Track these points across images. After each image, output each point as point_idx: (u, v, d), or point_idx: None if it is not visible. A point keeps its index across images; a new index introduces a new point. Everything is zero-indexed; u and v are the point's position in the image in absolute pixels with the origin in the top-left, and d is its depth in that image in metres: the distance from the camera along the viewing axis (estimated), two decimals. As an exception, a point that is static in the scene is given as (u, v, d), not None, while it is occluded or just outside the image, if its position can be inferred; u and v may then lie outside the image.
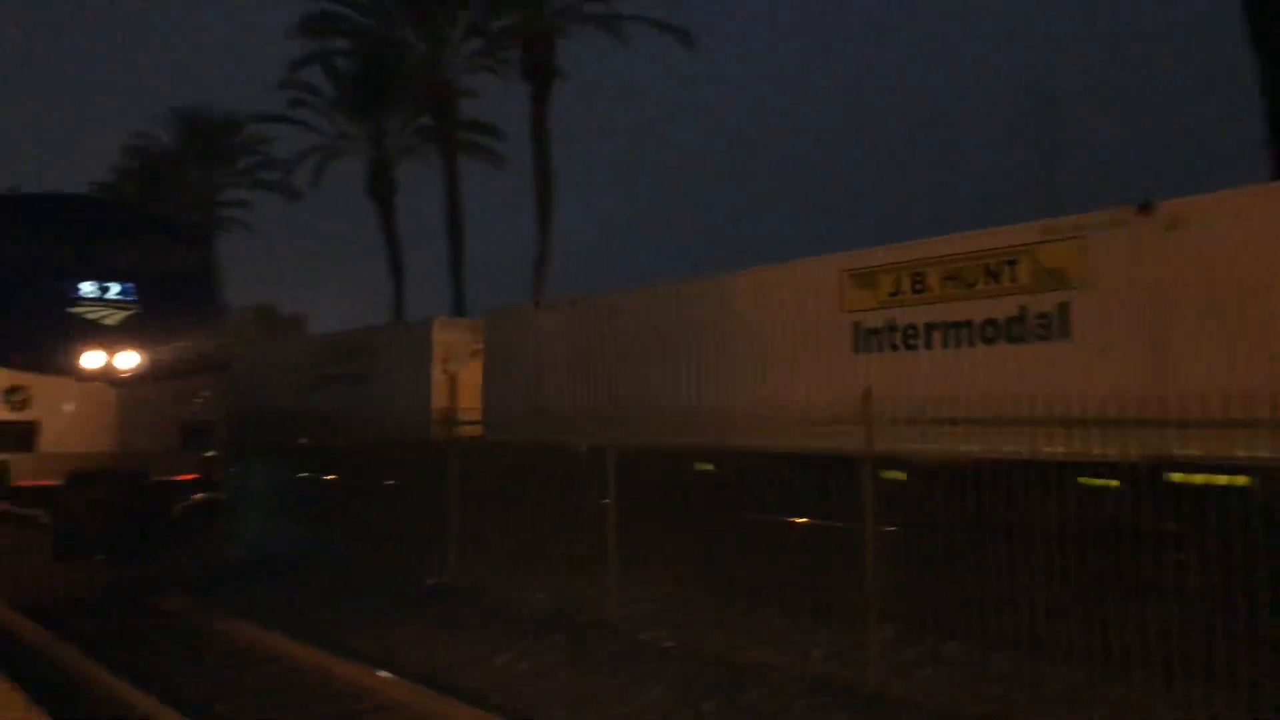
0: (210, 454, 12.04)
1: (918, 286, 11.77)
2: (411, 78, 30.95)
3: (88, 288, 11.76)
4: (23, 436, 10.99)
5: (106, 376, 11.38)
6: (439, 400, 18.88)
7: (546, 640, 10.16)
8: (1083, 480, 8.57)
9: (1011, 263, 10.96)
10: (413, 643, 10.35)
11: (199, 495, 11.80)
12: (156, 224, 15.18)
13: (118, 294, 11.90)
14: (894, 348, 11.86)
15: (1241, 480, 8.31)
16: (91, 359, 11.33)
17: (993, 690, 7.75)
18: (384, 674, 8.71)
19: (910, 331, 11.83)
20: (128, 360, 11.52)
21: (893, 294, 12.04)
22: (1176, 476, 8.63)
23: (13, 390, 11.00)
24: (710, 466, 13.28)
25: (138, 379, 11.54)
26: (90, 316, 11.63)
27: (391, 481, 15.13)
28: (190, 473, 11.84)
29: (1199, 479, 8.42)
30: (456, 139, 30.78)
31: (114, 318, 11.73)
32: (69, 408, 11.24)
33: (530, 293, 26.55)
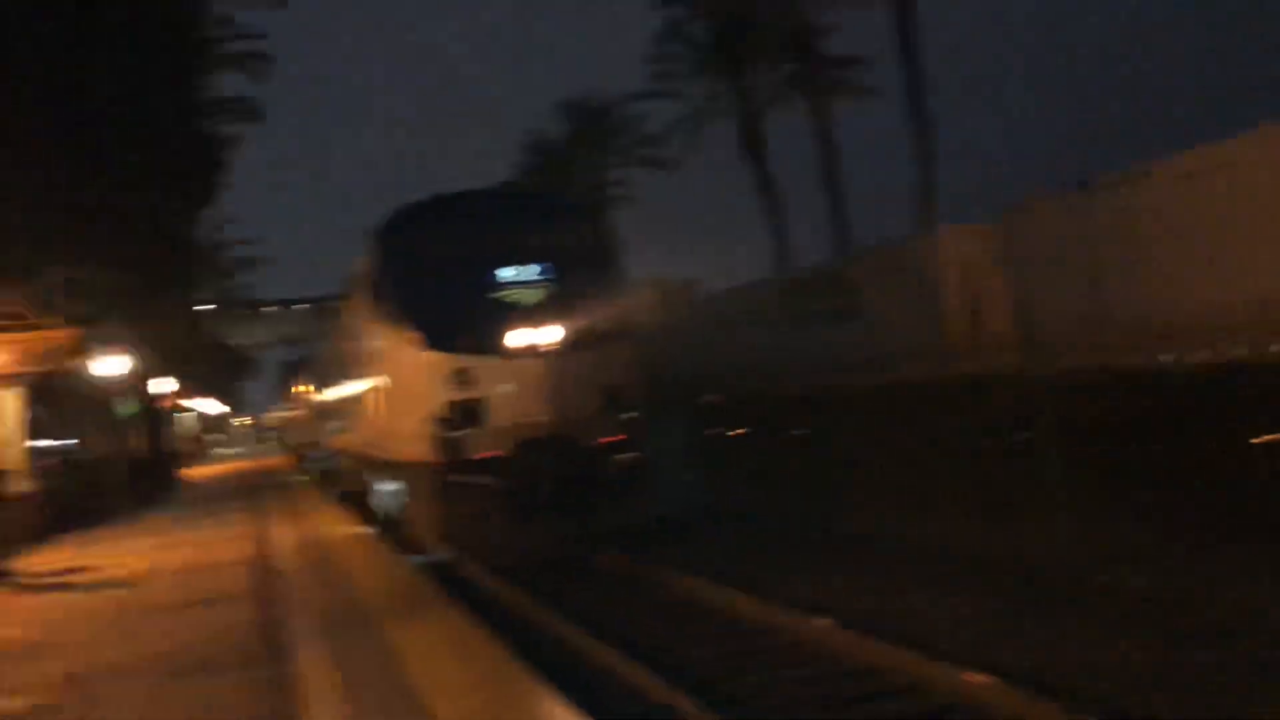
0: (630, 416, 12.60)
1: None
2: (769, 25, 30.66)
3: (507, 272, 12.75)
4: (472, 413, 12.15)
5: (532, 352, 12.25)
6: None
7: (986, 586, 9.52)
8: None
9: None
10: (844, 591, 10.15)
11: (625, 455, 12.41)
12: (560, 208, 16.18)
13: (534, 275, 12.80)
14: None
15: None
16: (518, 337, 12.26)
17: None
18: (824, 622, 8.56)
19: None
20: (550, 335, 12.33)
21: None
22: None
23: (460, 372, 12.18)
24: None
25: (560, 351, 12.32)
26: (512, 299, 12.59)
27: (801, 431, 15.06)
28: (614, 434, 12.48)
29: None
30: (822, 79, 30.07)
31: (532, 297, 12.61)
32: (506, 384, 12.25)
33: (916, 228, 25.31)
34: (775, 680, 7.57)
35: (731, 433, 16.75)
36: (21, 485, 16.69)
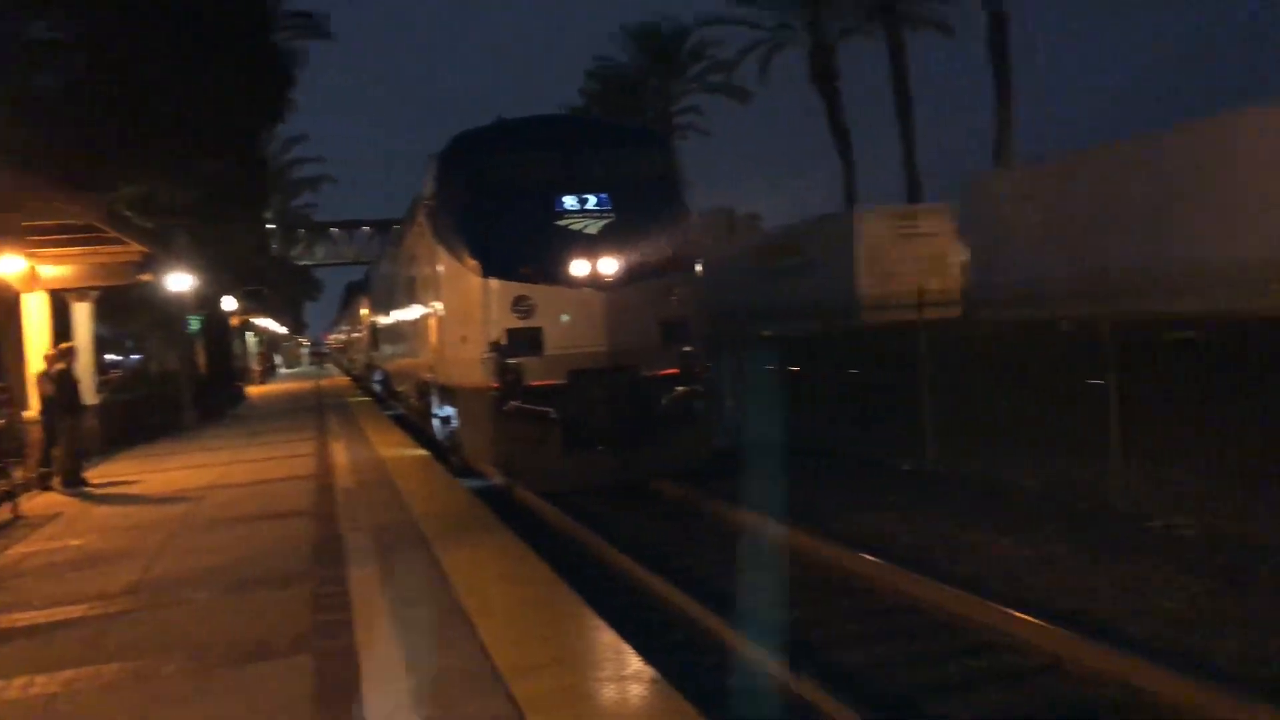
0: (688, 349, 12.53)
1: None
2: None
3: (569, 201, 12.64)
4: (531, 342, 12.17)
5: (593, 282, 12.19)
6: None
7: (1042, 527, 9.42)
8: None
9: None
10: (898, 527, 10.10)
11: (681, 388, 12.37)
12: (623, 136, 15.92)
13: (596, 204, 12.67)
14: None
15: None
16: (579, 267, 12.19)
17: None
18: (870, 557, 8.53)
19: None
20: (609, 266, 12.25)
21: None
22: None
23: (520, 300, 12.18)
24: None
25: (619, 282, 12.25)
26: (574, 228, 12.50)
27: (860, 369, 14.89)
28: (671, 367, 12.44)
29: None
30: (900, 9, 29.23)
31: (594, 227, 12.51)
32: (564, 313, 12.23)
33: (992, 166, 24.73)
34: (826, 615, 7.58)
35: (786, 368, 16.61)
36: (90, 397, 17.16)
